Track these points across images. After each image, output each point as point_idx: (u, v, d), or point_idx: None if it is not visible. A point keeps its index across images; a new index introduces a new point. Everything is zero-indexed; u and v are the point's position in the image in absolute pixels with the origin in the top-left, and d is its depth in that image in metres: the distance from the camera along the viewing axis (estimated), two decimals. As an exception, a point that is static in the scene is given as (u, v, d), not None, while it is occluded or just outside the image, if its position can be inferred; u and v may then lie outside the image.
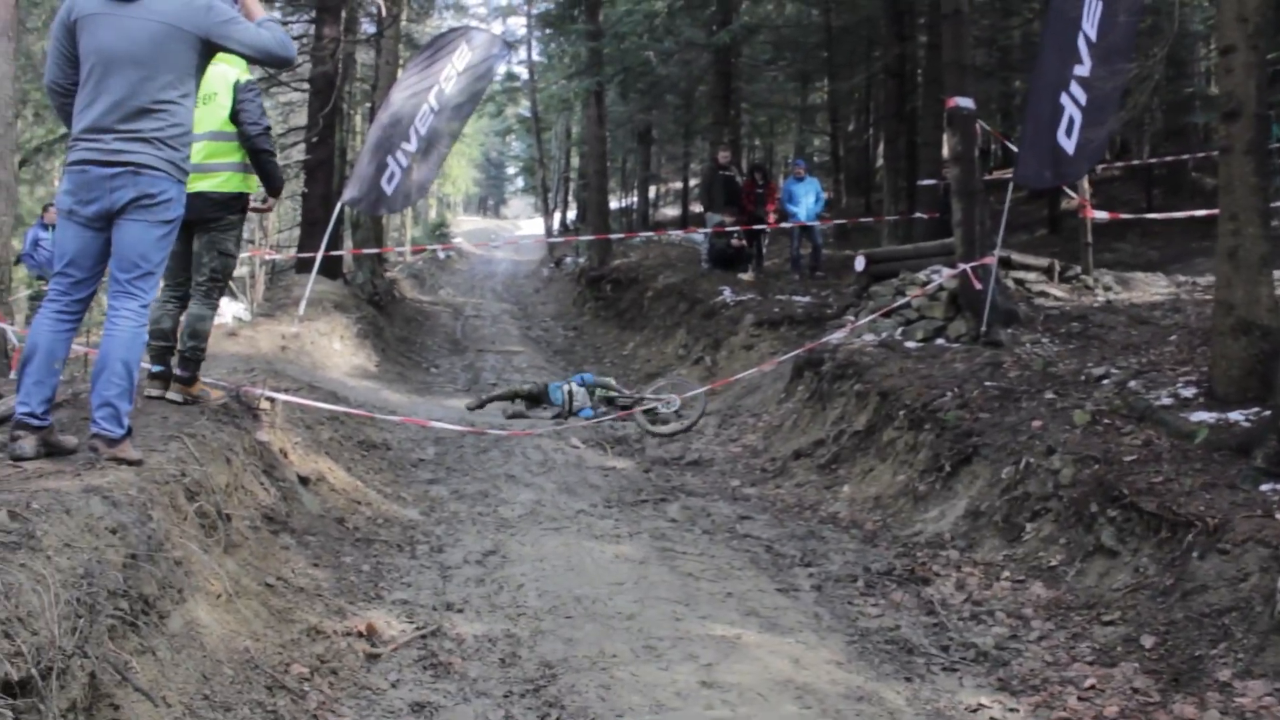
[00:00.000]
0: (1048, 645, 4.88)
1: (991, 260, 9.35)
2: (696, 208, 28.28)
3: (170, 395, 5.44)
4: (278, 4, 18.47)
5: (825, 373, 9.85)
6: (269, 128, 5.62)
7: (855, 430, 8.65)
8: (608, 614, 5.05)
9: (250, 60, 4.54)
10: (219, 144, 5.46)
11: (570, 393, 11.05)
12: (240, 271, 15.81)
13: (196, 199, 5.26)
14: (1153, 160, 17.76)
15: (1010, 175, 9.92)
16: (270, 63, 4.39)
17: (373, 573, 5.35)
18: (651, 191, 37.53)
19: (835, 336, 10.28)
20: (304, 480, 6.03)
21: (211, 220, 5.47)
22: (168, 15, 4.00)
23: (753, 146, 34.38)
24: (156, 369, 5.50)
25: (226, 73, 5.46)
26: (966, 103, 9.58)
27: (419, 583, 5.39)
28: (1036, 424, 6.78)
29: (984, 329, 9.13)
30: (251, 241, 16.94)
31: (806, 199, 16.12)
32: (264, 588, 4.25)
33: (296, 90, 19.00)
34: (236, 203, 5.57)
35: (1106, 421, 6.51)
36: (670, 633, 4.83)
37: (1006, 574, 5.77)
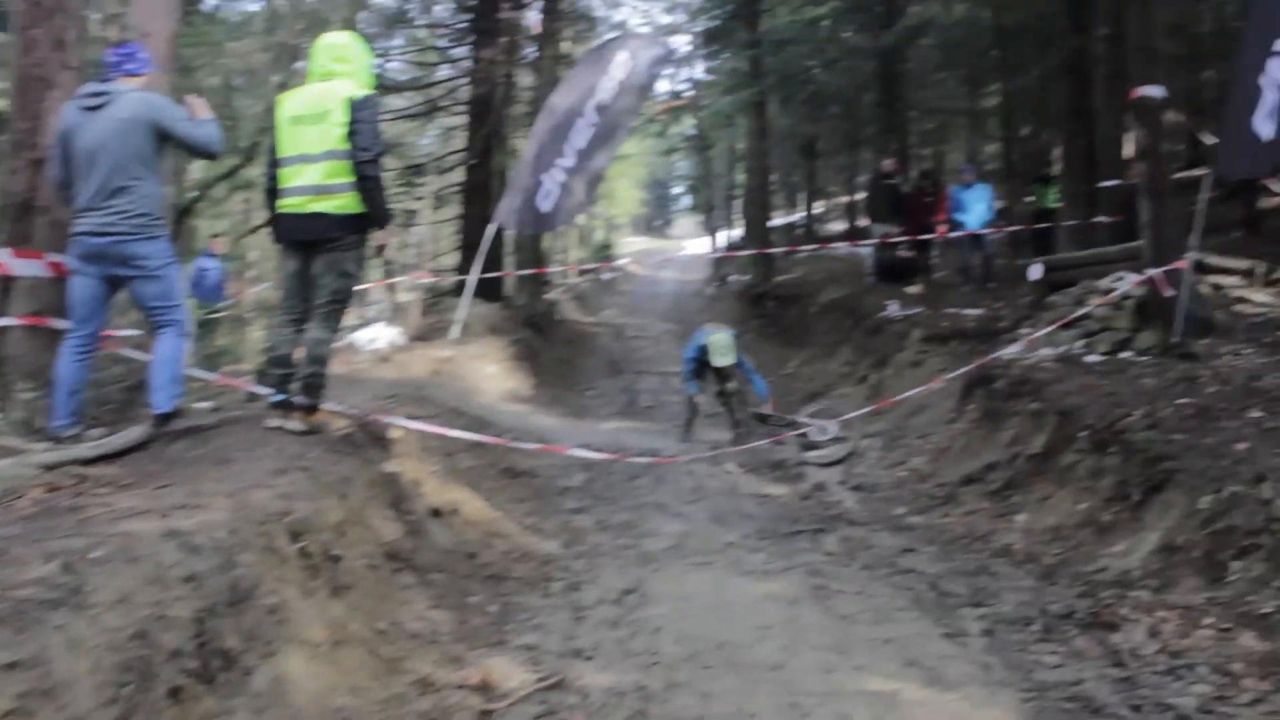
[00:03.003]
0: (1265, 710, 4.19)
1: (1185, 264, 8.49)
2: (862, 221, 27.52)
3: (290, 425, 5.29)
4: (437, 31, 18.76)
5: (998, 390, 9.14)
6: (382, 153, 5.38)
7: (1031, 453, 7.93)
8: (751, 664, 4.61)
9: (187, 151, 5.37)
10: (337, 164, 5.28)
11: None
12: (405, 296, 16.02)
13: (316, 220, 5.22)
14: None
15: (1204, 171, 9.02)
16: (200, 155, 5.46)
17: (500, 614, 5.06)
18: (818, 206, 36.83)
19: (1009, 351, 9.55)
20: (436, 513, 5.80)
21: (331, 241, 5.31)
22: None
23: (921, 155, 33.28)
24: (277, 398, 5.36)
25: (340, 89, 5.30)
26: (1155, 91, 8.74)
27: (549, 625, 5.07)
28: (1241, 446, 6.00)
29: (1176, 340, 8.27)
30: (407, 265, 17.19)
31: (976, 207, 15.30)
32: (374, 634, 3.99)
33: (456, 114, 19.25)
34: (357, 223, 5.37)
35: (1330, 444, 5.50)
36: (820, 687, 4.36)
37: (1209, 621, 5.04)
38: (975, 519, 7.65)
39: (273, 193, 5.51)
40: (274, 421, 5.33)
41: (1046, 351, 9.24)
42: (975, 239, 15.40)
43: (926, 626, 5.29)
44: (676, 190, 66.05)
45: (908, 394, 10.35)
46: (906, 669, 4.64)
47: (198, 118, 5.26)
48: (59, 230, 5.48)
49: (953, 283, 16.58)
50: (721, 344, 11.08)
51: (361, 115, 5.23)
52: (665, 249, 54.11)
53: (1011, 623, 5.39)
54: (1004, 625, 5.37)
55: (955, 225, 15.44)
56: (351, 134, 5.24)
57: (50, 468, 4.27)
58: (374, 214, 5.38)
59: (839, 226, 36.26)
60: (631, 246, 55.04)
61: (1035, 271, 11.52)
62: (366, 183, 5.26)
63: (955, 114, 29.05)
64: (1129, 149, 14.58)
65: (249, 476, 4.06)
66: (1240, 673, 4.51)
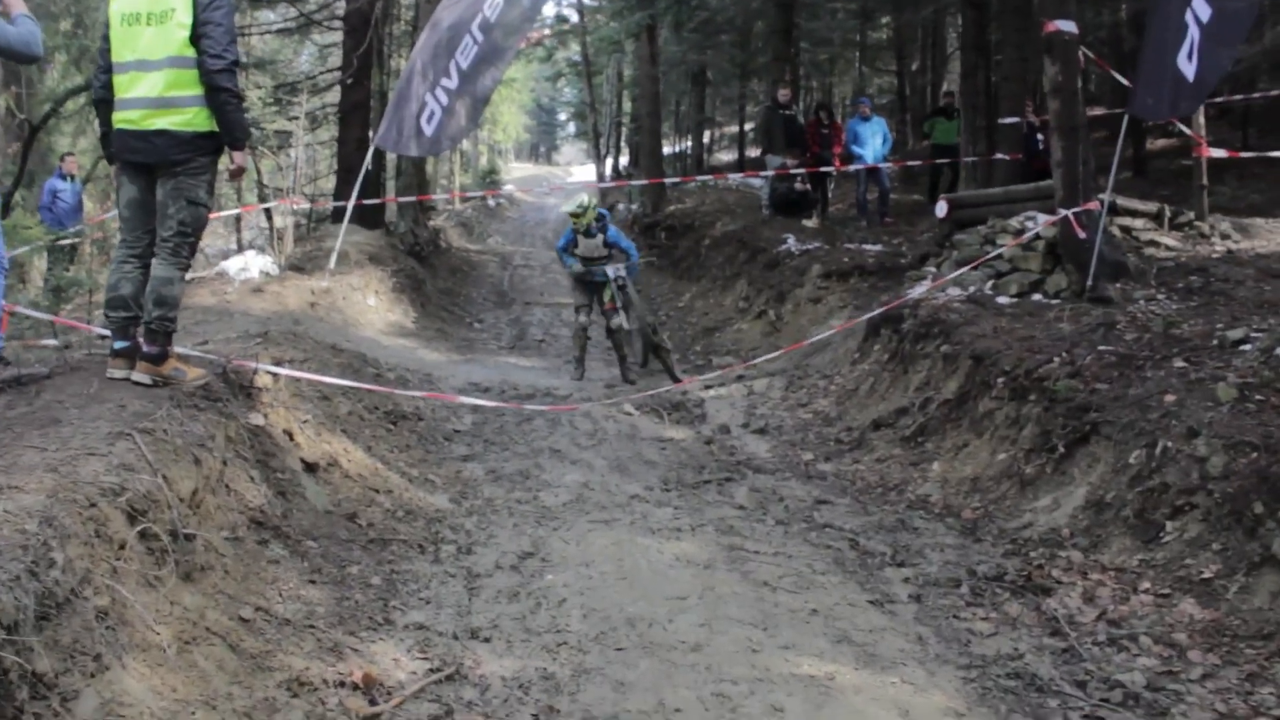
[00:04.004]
0: (1216, 688, 3.92)
1: (1098, 205, 8.25)
2: (753, 152, 27.11)
3: (136, 376, 4.57)
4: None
5: (906, 331, 8.83)
6: (236, 61, 4.61)
7: (944, 399, 7.64)
8: (668, 644, 4.16)
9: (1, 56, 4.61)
10: (182, 72, 4.51)
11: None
12: (280, 223, 15.01)
13: (158, 138, 4.48)
14: (1256, 96, 16.24)
15: (1101, 111, 8.78)
16: (15, 59, 4.56)
17: (384, 586, 4.49)
18: (706, 136, 36.31)
19: (916, 291, 9.24)
20: (311, 468, 5.17)
21: (177, 163, 4.55)
22: None
23: (810, 87, 32.98)
24: (119, 345, 4.63)
25: None
26: (1068, 25, 8.40)
27: (440, 598, 4.53)
28: (1169, 398, 5.75)
29: (1089, 283, 8.04)
30: (281, 189, 16.14)
31: (873, 140, 15.00)
32: (236, 624, 3.40)
33: (331, 29, 18.08)
34: (207, 142, 4.62)
35: (1259, 397, 5.46)
36: (746, 672, 3.93)
37: (1146, 585, 4.79)
38: (888, 467, 7.35)
39: (106, 103, 4.73)
40: (117, 372, 4.59)
41: (954, 292, 8.95)
42: (872, 173, 15.12)
43: (852, 592, 4.93)
44: (563, 117, 64.76)
45: (819, 336, 9.99)
46: (838, 646, 4.25)
47: (12, 14, 4.43)
48: None
49: (849, 217, 16.31)
50: (578, 197, 10.74)
51: (210, 15, 4.47)
52: (552, 176, 53.06)
53: (939, 585, 5.07)
54: (932, 588, 5.04)
55: (851, 158, 15.13)
56: (198, 37, 4.48)
57: None
58: (228, 132, 4.65)
59: (728, 157, 35.84)
60: (517, 172, 53.81)
61: (941, 208, 11.24)
62: (218, 95, 4.53)
63: (847, 47, 28.75)
64: (1028, 85, 14.42)
65: (79, 442, 3.39)
66: (1185, 644, 4.25)
